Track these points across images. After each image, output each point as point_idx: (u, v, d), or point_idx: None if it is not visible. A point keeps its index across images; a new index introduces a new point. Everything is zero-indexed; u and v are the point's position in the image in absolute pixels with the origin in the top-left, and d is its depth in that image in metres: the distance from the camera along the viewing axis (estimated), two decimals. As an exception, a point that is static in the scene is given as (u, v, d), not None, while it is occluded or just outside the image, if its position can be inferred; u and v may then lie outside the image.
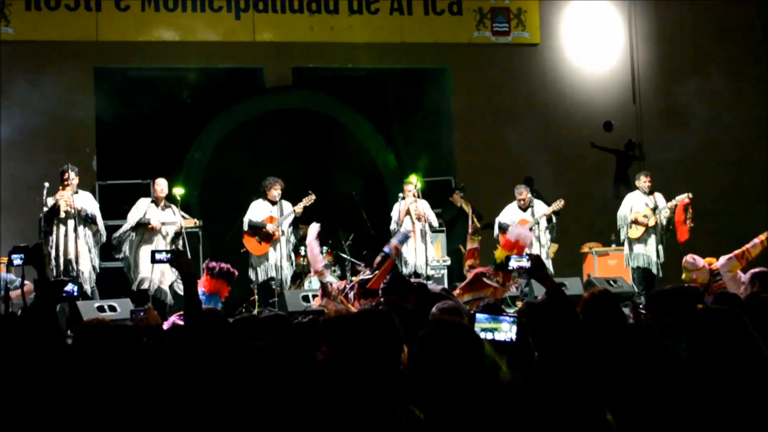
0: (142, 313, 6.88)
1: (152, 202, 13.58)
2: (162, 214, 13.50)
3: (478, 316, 4.55)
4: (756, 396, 4.12)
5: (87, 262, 12.89)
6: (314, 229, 11.85)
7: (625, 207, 14.85)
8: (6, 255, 12.90)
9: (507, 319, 4.47)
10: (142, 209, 13.48)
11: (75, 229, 12.73)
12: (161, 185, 13.64)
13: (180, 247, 13.33)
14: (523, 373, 4.28)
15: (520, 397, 3.90)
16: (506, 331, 4.42)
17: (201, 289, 10.36)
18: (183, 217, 13.62)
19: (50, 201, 12.78)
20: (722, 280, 10.51)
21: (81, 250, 12.80)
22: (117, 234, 13.44)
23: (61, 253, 12.70)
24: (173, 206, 13.63)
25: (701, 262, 11.17)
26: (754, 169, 18.33)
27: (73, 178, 12.85)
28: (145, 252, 13.21)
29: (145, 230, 13.41)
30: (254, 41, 16.77)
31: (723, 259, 10.62)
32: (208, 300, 10.38)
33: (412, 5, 17.38)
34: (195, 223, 13.77)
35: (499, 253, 11.72)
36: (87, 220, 12.92)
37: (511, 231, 11.99)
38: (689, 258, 11.39)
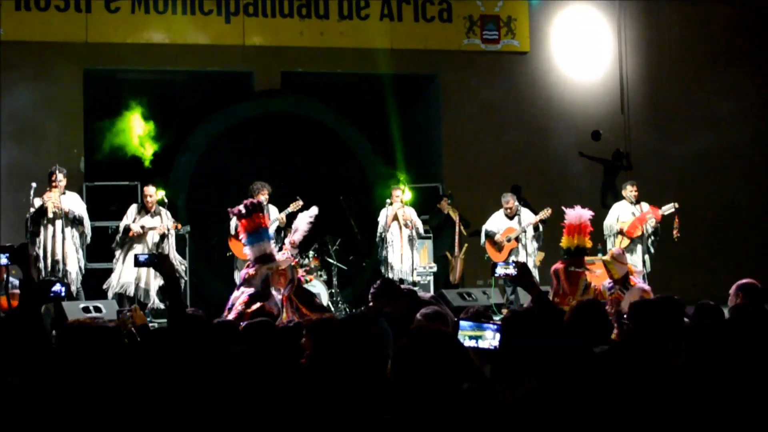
0: (128, 313, 6.85)
1: (141, 208, 13.56)
2: (151, 221, 13.48)
3: (462, 323, 4.55)
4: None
5: (74, 263, 12.88)
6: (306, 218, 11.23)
7: (612, 216, 14.87)
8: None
9: (491, 326, 4.47)
10: (130, 216, 13.50)
11: (62, 230, 12.71)
12: (149, 192, 13.61)
13: (165, 250, 13.32)
14: (506, 382, 4.27)
15: (504, 407, 3.91)
16: (490, 339, 4.42)
17: (243, 234, 9.80)
18: (172, 221, 13.61)
19: (37, 202, 12.76)
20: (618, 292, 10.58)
21: (68, 251, 12.79)
22: (116, 241, 13.51)
23: (48, 254, 12.68)
24: (163, 211, 13.61)
25: (625, 259, 11.13)
26: (743, 179, 18.40)
27: (60, 179, 12.84)
28: (128, 258, 13.20)
29: (128, 236, 13.41)
30: (244, 45, 16.76)
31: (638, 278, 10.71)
32: (256, 239, 9.60)
33: (403, 12, 17.40)
34: (177, 226, 13.69)
35: (566, 241, 11.56)
36: (74, 222, 12.90)
37: (569, 214, 11.69)
38: (619, 251, 11.34)
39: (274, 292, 9.55)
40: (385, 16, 17.32)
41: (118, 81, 17.03)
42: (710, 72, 18.70)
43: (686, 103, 18.53)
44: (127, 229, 13.40)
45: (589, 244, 11.52)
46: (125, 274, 13.30)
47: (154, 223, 13.48)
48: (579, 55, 18.36)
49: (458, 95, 17.74)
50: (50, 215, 12.72)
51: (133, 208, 13.64)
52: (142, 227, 13.39)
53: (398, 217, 14.54)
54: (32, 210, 12.75)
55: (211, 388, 4.30)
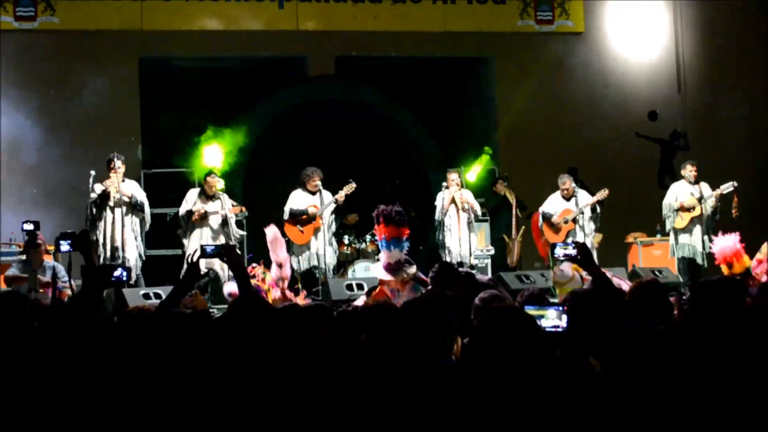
0: (189, 297, 6.87)
1: (201, 193, 13.59)
2: (212, 205, 13.49)
3: (526, 307, 4.53)
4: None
5: (133, 250, 12.93)
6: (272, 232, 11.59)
7: (671, 196, 14.70)
8: (53, 242, 13.06)
9: (553, 306, 4.45)
10: (190, 201, 13.52)
11: (122, 218, 12.78)
12: (211, 181, 13.61)
13: (228, 234, 13.36)
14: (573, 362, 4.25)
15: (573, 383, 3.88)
16: (553, 318, 4.40)
17: (381, 237, 10.03)
18: (232, 205, 13.64)
19: (98, 188, 12.81)
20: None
21: (127, 237, 12.83)
22: (181, 228, 13.58)
23: (108, 241, 12.72)
24: (223, 196, 13.63)
25: (569, 271, 11.00)
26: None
27: (119, 166, 12.88)
28: (193, 242, 13.23)
29: (192, 220, 13.43)
30: (297, 30, 16.78)
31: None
32: (389, 246, 9.69)
33: (456, -6, 17.35)
34: (241, 209, 13.75)
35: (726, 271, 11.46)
36: (135, 208, 12.93)
37: (719, 246, 11.66)
38: (557, 271, 11.20)
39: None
40: (438, -1, 17.28)
41: (173, 68, 17.12)
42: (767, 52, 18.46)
43: (743, 82, 18.30)
44: (190, 213, 13.42)
45: (748, 263, 11.34)
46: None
47: (215, 207, 13.50)
48: (634, 35, 18.18)
49: (512, 77, 17.65)
50: (111, 202, 12.78)
51: (193, 193, 13.64)
52: (205, 212, 13.41)
53: (456, 201, 14.47)
54: (93, 196, 12.80)
55: (271, 370, 4.30)
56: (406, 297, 9.30)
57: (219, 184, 13.74)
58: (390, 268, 9.60)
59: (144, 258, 13.22)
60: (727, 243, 11.46)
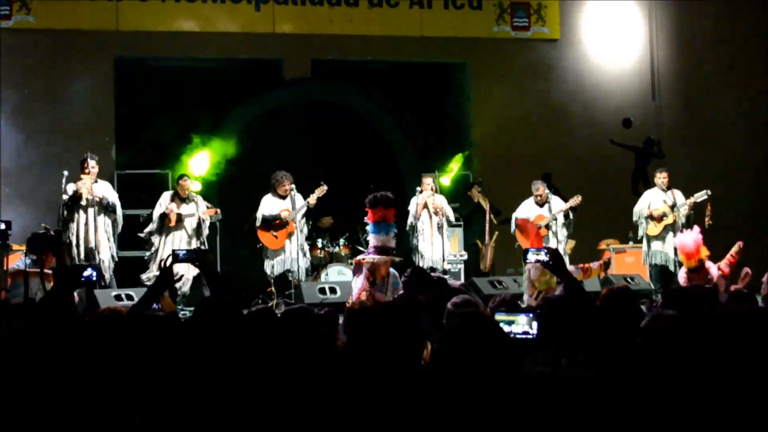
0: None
1: (174, 195, 13.54)
2: (185, 207, 13.44)
3: (497, 312, 4.55)
4: None
5: (107, 251, 12.89)
6: None
7: (643, 203, 14.76)
8: (25, 243, 12.99)
9: (523, 313, 4.47)
10: (164, 204, 13.47)
11: (95, 218, 12.74)
12: (184, 184, 13.58)
13: (202, 236, 13.32)
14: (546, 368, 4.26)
15: (546, 389, 3.89)
16: (523, 324, 4.41)
17: (372, 220, 10.23)
18: (207, 207, 13.59)
19: (70, 188, 12.76)
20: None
21: (101, 238, 12.79)
22: (146, 231, 13.49)
23: (81, 242, 12.68)
24: (197, 198, 13.59)
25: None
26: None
27: (93, 166, 12.85)
28: (167, 246, 13.17)
29: (165, 223, 13.38)
30: (274, 33, 16.77)
31: (571, 267, 10.63)
32: (378, 230, 10.09)
33: (432, -1, 17.38)
34: (216, 212, 13.69)
35: (687, 264, 11.55)
36: (107, 209, 12.89)
37: (681, 241, 11.74)
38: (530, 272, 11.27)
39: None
40: (414, 4, 17.29)
41: (149, 69, 17.07)
42: (743, 58, 18.58)
43: (718, 90, 18.41)
44: (164, 216, 13.36)
45: (704, 254, 11.46)
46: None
47: (190, 210, 13.46)
48: (609, 42, 18.28)
49: (488, 83, 17.68)
50: (84, 202, 12.73)
51: (166, 196, 13.62)
52: (179, 214, 13.36)
53: (428, 206, 14.49)
54: (65, 197, 12.76)
55: (240, 375, 4.30)
56: (388, 291, 9.46)
57: (193, 186, 13.71)
58: (378, 250, 9.82)
59: (116, 259, 13.18)
60: (689, 237, 11.57)
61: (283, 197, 14.03)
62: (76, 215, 12.77)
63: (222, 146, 15.01)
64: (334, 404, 4.05)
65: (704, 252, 11.45)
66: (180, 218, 13.36)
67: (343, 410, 4.05)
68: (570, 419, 3.92)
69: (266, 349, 4.49)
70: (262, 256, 14.14)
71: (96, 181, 12.94)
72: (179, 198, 13.51)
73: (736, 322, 4.59)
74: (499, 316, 4.44)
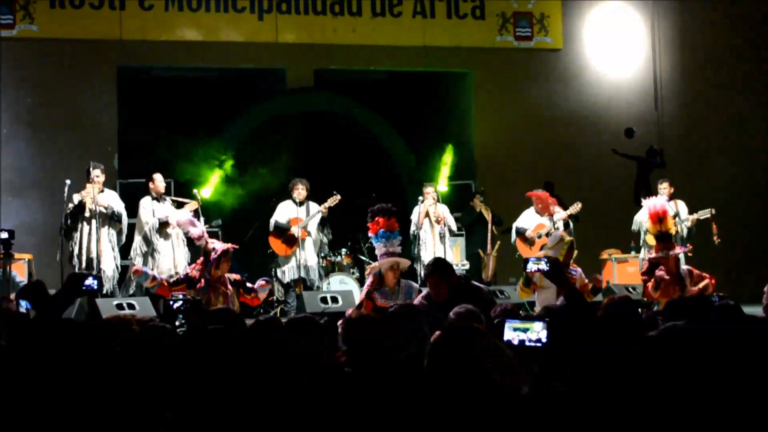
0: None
1: (153, 199, 13.37)
2: (162, 207, 13.25)
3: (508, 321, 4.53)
4: None
5: (110, 261, 12.79)
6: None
7: (643, 212, 14.77)
8: (24, 250, 12.98)
9: (538, 320, 4.45)
10: (148, 208, 13.25)
11: (98, 229, 12.67)
12: (158, 179, 13.40)
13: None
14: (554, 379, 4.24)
15: (536, 406, 3.88)
16: (538, 331, 4.39)
17: (375, 232, 10.43)
18: (173, 200, 13.43)
19: (76, 198, 12.72)
20: None
21: (104, 248, 12.69)
22: (145, 236, 13.28)
23: (84, 251, 12.60)
24: (168, 198, 13.49)
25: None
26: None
27: (98, 174, 12.78)
28: (164, 249, 13.12)
29: (164, 227, 13.25)
30: (277, 42, 16.80)
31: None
32: (384, 238, 10.31)
33: (435, 9, 17.38)
34: (196, 204, 13.49)
35: (653, 228, 11.43)
36: (113, 219, 12.78)
37: (649, 204, 11.63)
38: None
39: None
40: (417, 14, 17.31)
41: (152, 78, 17.10)
42: (746, 68, 18.59)
43: (721, 99, 18.42)
44: (163, 222, 13.13)
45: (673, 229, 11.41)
46: (163, 264, 13.13)
47: (164, 210, 13.25)
48: (612, 52, 18.31)
49: (491, 93, 17.71)
50: (87, 213, 12.67)
51: (147, 200, 13.35)
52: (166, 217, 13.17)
53: (429, 214, 14.51)
54: (70, 206, 12.72)
55: (243, 384, 4.29)
56: (400, 300, 9.51)
57: (163, 183, 13.49)
58: (388, 254, 9.96)
59: (120, 269, 13.10)
60: (657, 201, 11.49)
61: (300, 204, 14.09)
62: (79, 225, 12.72)
63: (210, 148, 14.96)
64: (335, 414, 4.04)
65: (671, 224, 11.36)
66: (166, 222, 13.17)
67: (344, 419, 4.04)
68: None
69: (270, 357, 4.48)
70: (273, 262, 14.22)
71: (102, 191, 12.89)
72: (157, 200, 13.30)
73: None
74: (512, 324, 4.42)
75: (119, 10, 16.01)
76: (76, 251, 12.64)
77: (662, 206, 11.11)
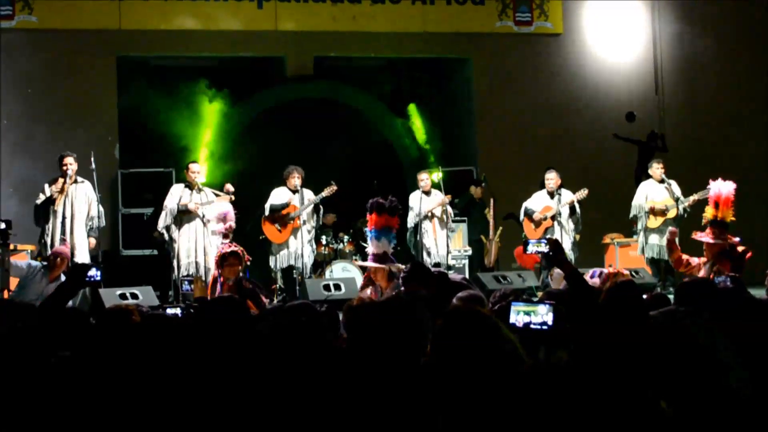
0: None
1: (186, 186, 13.33)
2: (197, 197, 13.19)
3: (514, 304, 4.54)
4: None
5: (85, 254, 12.56)
6: None
7: (640, 196, 14.74)
8: (23, 241, 12.92)
9: (544, 303, 4.46)
10: (176, 195, 13.16)
11: (72, 221, 12.43)
12: (194, 169, 13.31)
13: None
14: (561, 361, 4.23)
15: (545, 385, 3.87)
16: (543, 314, 4.39)
17: (371, 227, 10.52)
18: (215, 194, 13.35)
19: (47, 190, 12.49)
20: None
21: (78, 242, 12.48)
22: (161, 225, 13.15)
23: (57, 243, 12.30)
24: (206, 188, 13.38)
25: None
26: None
27: (71, 163, 12.59)
28: (189, 236, 13.03)
29: (183, 215, 13.15)
30: (276, 30, 16.78)
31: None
32: (378, 236, 10.39)
33: (435, -6, 17.37)
34: (230, 199, 13.44)
35: (709, 212, 11.36)
36: (88, 214, 12.65)
37: (714, 187, 11.51)
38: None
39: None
40: (417, 0, 17.28)
41: (151, 67, 17.09)
42: (747, 52, 18.55)
43: (722, 83, 18.38)
44: (182, 209, 13.05)
45: (729, 217, 11.29)
46: (191, 251, 13.13)
47: (199, 199, 13.20)
48: (612, 36, 18.26)
49: (491, 78, 17.70)
50: (60, 207, 12.44)
51: (178, 187, 13.29)
52: (196, 204, 13.11)
53: (435, 213, 14.58)
54: (41, 197, 12.51)
55: (241, 370, 4.29)
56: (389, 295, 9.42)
57: (199, 178, 13.42)
58: (377, 257, 9.91)
59: (100, 260, 12.87)
60: (726, 187, 11.40)
61: (293, 191, 13.97)
62: (51, 218, 12.48)
63: (210, 136, 14.95)
64: (336, 401, 4.04)
65: (729, 214, 11.26)
66: (187, 210, 13.12)
67: (345, 407, 4.04)
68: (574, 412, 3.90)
69: (270, 345, 4.48)
70: (267, 250, 14.14)
71: (76, 180, 12.66)
72: (190, 188, 13.19)
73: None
74: (518, 307, 4.43)
75: (118, 0, 16.00)
76: (48, 242, 12.39)
77: (729, 193, 11.08)
